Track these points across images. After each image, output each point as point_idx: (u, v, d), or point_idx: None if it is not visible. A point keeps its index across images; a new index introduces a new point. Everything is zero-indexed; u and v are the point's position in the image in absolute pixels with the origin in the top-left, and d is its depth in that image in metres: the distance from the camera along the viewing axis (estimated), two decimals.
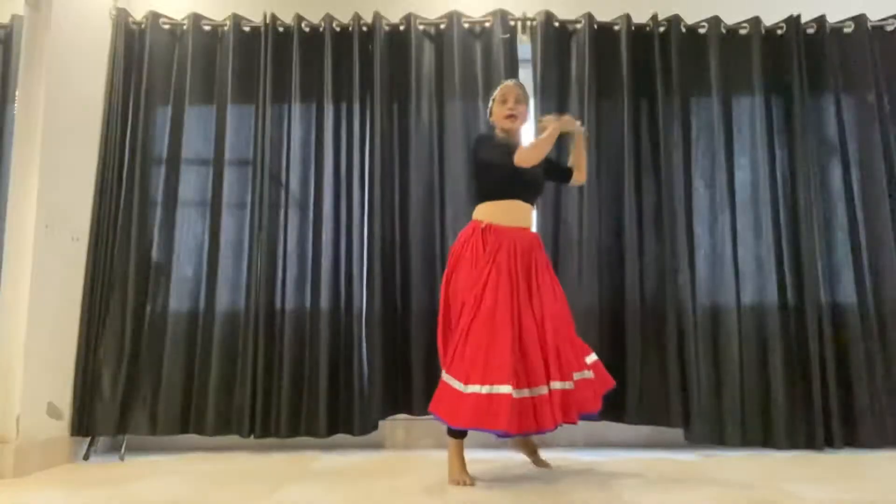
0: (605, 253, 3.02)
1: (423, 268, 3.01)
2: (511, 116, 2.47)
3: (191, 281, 3.02)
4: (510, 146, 2.41)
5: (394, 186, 3.08)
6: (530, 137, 2.80)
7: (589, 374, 2.38)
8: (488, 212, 2.41)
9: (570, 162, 2.63)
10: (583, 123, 2.53)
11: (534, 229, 2.58)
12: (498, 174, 2.42)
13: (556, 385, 2.22)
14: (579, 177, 2.63)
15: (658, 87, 3.07)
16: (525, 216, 2.46)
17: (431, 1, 3.30)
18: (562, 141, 2.99)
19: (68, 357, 2.84)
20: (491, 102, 2.56)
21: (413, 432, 3.04)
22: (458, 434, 2.31)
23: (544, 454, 2.62)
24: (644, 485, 2.24)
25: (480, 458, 2.63)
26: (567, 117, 2.43)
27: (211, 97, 3.14)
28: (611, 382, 2.45)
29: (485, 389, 2.12)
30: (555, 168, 2.66)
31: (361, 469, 2.56)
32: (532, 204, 2.50)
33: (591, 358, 2.45)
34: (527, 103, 2.54)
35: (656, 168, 3.05)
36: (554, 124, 2.37)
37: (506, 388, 2.11)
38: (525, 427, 2.15)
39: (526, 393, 2.17)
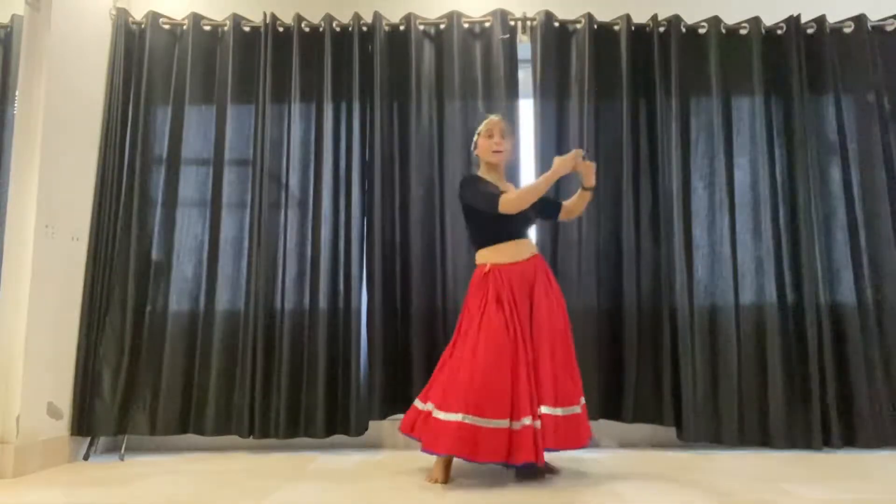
0: (604, 253, 3.02)
1: (422, 268, 3.01)
2: (497, 152, 2.49)
3: (191, 281, 3.02)
4: (494, 192, 2.40)
5: (394, 186, 3.08)
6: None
7: (578, 409, 2.35)
8: (489, 256, 2.44)
9: (569, 202, 2.61)
10: (590, 162, 2.48)
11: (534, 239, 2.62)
12: (486, 224, 2.45)
13: (547, 410, 2.24)
14: (570, 216, 2.64)
15: (658, 87, 3.07)
16: (525, 249, 2.46)
17: (431, 1, 3.30)
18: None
19: (68, 357, 2.84)
20: (476, 136, 2.57)
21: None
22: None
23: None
24: (643, 484, 2.24)
25: None
26: (569, 158, 2.38)
27: (211, 97, 3.14)
28: (586, 438, 2.34)
29: (482, 422, 2.17)
30: (543, 202, 2.59)
31: (361, 469, 2.56)
32: (528, 237, 2.53)
33: (581, 402, 2.39)
34: (513, 138, 2.56)
35: (655, 168, 3.05)
36: (554, 167, 2.37)
37: (504, 423, 2.17)
38: (522, 457, 2.16)
39: (517, 425, 2.19)
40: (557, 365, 2.32)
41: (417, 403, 2.45)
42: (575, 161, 2.40)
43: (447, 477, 2.30)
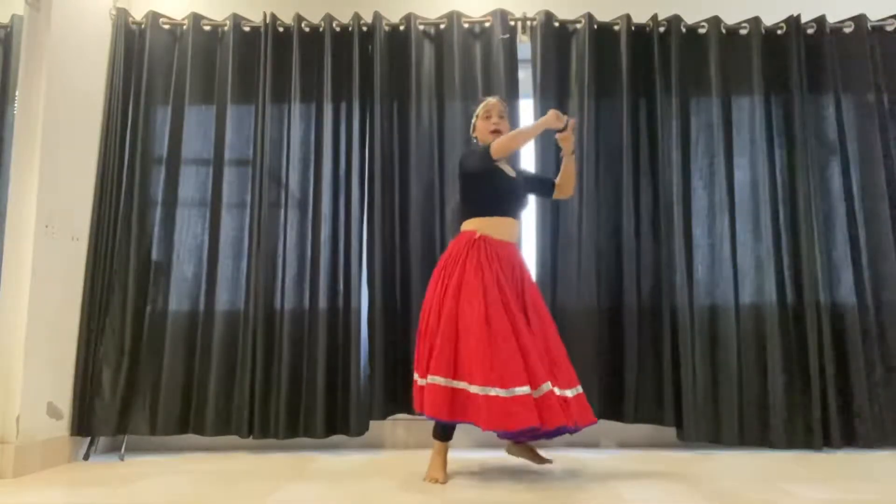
0: (604, 253, 3.02)
1: (422, 267, 3.00)
2: (495, 132, 2.49)
3: (190, 281, 3.02)
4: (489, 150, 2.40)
5: (394, 186, 3.08)
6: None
7: (579, 390, 2.32)
8: (479, 225, 2.42)
9: (558, 178, 2.63)
10: (575, 127, 2.49)
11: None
12: (482, 195, 2.45)
13: (557, 391, 2.22)
14: (563, 188, 2.63)
15: (657, 87, 3.07)
16: (513, 232, 2.48)
17: (431, 1, 3.30)
18: (547, 152, 3.00)
19: (68, 357, 2.84)
20: (474, 119, 2.60)
21: (412, 432, 3.04)
22: (443, 437, 2.35)
23: (542, 452, 2.61)
24: (643, 484, 2.24)
25: (478, 457, 2.63)
26: (553, 115, 2.36)
27: (211, 97, 3.14)
28: (594, 419, 2.31)
29: (506, 393, 2.12)
30: (535, 180, 2.69)
31: (361, 469, 2.56)
32: (518, 219, 2.53)
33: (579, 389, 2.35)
34: (510, 118, 2.57)
35: (655, 168, 3.05)
36: (544, 118, 2.38)
37: (524, 389, 2.13)
38: (551, 421, 2.14)
39: (538, 393, 2.18)
40: (558, 351, 2.33)
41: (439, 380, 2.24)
42: (557, 117, 2.36)
43: (446, 476, 2.29)
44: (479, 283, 2.27)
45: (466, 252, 2.36)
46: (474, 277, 2.29)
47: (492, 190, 2.45)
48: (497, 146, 2.36)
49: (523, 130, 2.40)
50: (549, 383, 2.19)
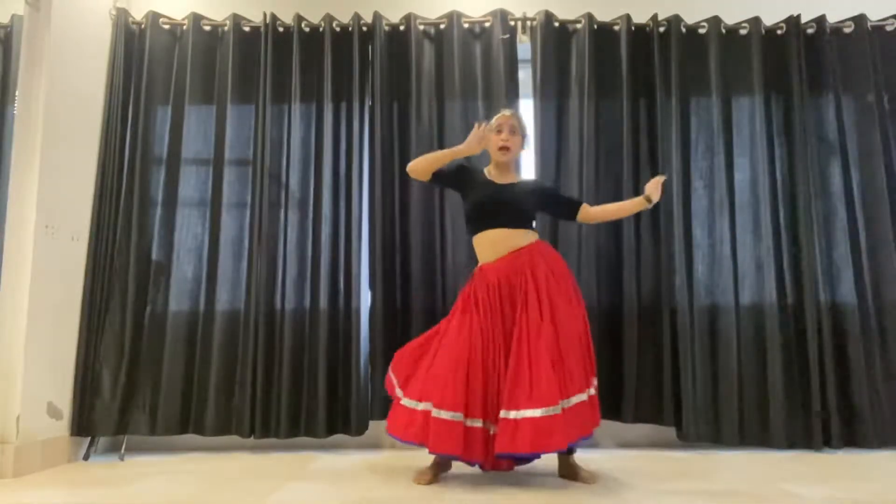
0: (604, 253, 3.02)
1: (423, 267, 3.01)
2: (504, 148, 2.44)
3: (191, 281, 3.02)
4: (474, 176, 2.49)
5: (394, 186, 3.08)
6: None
7: (583, 396, 2.23)
8: (477, 249, 2.45)
9: (603, 206, 2.59)
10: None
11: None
12: (465, 216, 2.50)
13: (515, 414, 2.12)
14: (592, 218, 2.55)
15: (658, 87, 3.07)
16: (506, 244, 2.36)
17: (431, 1, 3.30)
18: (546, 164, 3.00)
19: (68, 357, 2.84)
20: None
21: None
22: None
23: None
24: (643, 484, 2.24)
25: None
26: (475, 139, 2.34)
27: (211, 97, 3.14)
28: (589, 429, 2.23)
29: (440, 414, 2.17)
30: (554, 201, 2.61)
31: (361, 469, 2.56)
32: (516, 227, 2.38)
33: (591, 391, 2.30)
34: (523, 134, 2.51)
35: (655, 168, 3.05)
36: (461, 146, 2.38)
37: (459, 416, 2.16)
38: (477, 455, 2.19)
39: (478, 423, 2.20)
40: (543, 363, 2.15)
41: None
42: (476, 136, 2.34)
43: (431, 478, 2.30)
44: (465, 318, 2.32)
45: (469, 290, 2.41)
46: (463, 315, 2.34)
47: (466, 212, 2.49)
48: (410, 166, 2.46)
49: (436, 154, 2.44)
50: (481, 421, 2.20)
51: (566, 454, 2.32)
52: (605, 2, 3.21)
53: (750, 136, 3.09)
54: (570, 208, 2.57)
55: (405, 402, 2.30)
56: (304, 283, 3.00)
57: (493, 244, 2.38)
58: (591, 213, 2.55)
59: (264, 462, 2.70)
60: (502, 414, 2.15)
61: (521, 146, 2.52)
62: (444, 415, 2.17)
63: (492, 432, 2.20)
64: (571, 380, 2.21)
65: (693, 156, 3.09)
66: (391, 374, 2.46)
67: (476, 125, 2.37)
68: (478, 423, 2.20)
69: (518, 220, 2.40)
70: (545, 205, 2.60)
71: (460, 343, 2.26)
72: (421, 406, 2.23)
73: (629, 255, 2.98)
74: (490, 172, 2.50)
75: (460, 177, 2.50)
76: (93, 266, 2.94)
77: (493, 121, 2.49)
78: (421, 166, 2.43)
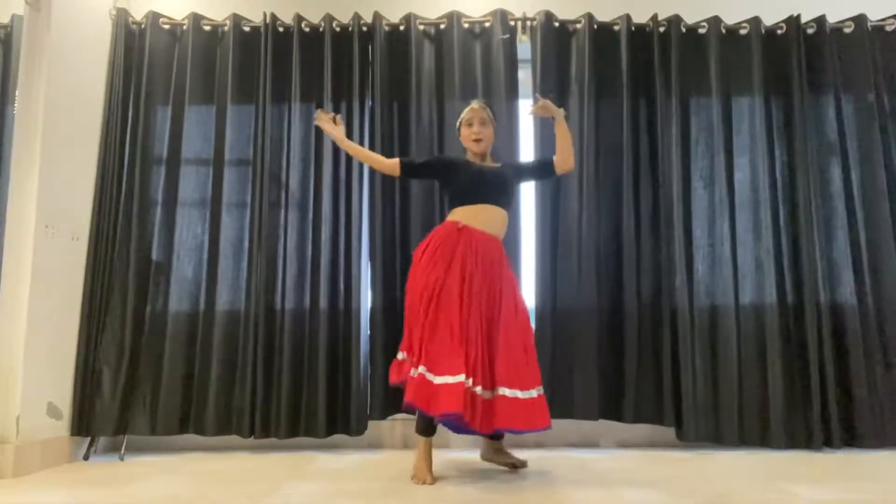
0: (604, 252, 3.02)
1: None
2: (477, 140, 2.55)
3: (191, 281, 3.02)
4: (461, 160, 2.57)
5: (394, 186, 3.08)
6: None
7: (535, 392, 2.32)
8: (460, 214, 2.46)
9: (557, 151, 2.59)
10: (544, 97, 2.57)
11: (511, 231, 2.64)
12: (454, 185, 2.52)
13: (507, 392, 2.24)
14: (562, 162, 2.55)
15: (658, 87, 3.07)
16: (492, 222, 2.45)
17: (431, 1, 3.30)
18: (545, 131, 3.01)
19: (68, 357, 2.84)
20: (458, 123, 2.63)
21: (412, 432, 3.03)
22: (426, 432, 2.36)
23: (537, 453, 2.61)
24: (643, 484, 2.24)
25: (475, 458, 2.62)
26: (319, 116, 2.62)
27: (211, 97, 3.14)
28: (548, 423, 2.30)
29: (438, 379, 2.19)
30: (528, 168, 2.69)
31: (361, 469, 2.56)
32: (503, 207, 2.49)
33: (540, 390, 2.36)
34: (493, 124, 2.60)
35: (655, 168, 3.05)
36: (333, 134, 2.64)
37: (460, 378, 2.17)
38: (476, 421, 2.20)
39: (478, 389, 2.22)
40: (515, 348, 2.32)
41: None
42: (319, 116, 2.65)
43: (433, 477, 2.30)
44: (458, 277, 2.33)
45: (445, 241, 2.40)
46: (434, 270, 2.35)
47: (458, 184, 2.50)
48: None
49: (352, 152, 2.70)
50: (480, 387, 2.24)
51: (497, 439, 2.52)
52: (605, 2, 3.21)
53: (750, 136, 3.09)
54: (544, 165, 2.63)
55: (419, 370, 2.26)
56: (304, 283, 3.00)
57: (483, 216, 2.45)
58: (560, 160, 2.58)
59: (264, 462, 2.70)
60: (503, 391, 2.24)
61: (493, 136, 2.61)
62: (450, 379, 2.18)
63: (483, 397, 2.24)
64: (533, 373, 2.36)
65: (693, 156, 3.08)
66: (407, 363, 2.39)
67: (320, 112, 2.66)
68: (477, 389, 2.22)
69: (504, 198, 2.52)
70: (523, 172, 2.69)
71: (454, 310, 2.28)
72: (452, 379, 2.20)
73: (629, 255, 2.98)
74: (471, 159, 2.59)
75: (440, 164, 2.59)
76: (93, 266, 2.94)
77: (464, 114, 2.59)
78: (374, 165, 2.66)
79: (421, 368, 2.24)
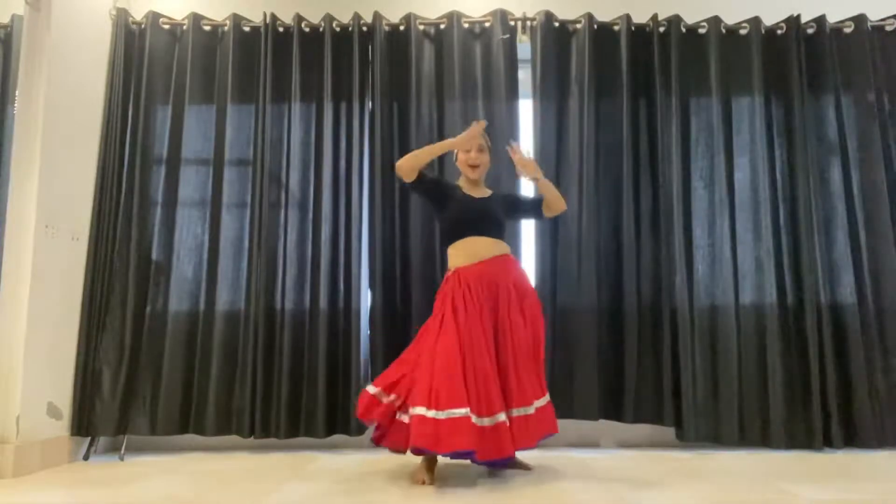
0: (604, 252, 3.02)
1: (423, 268, 3.00)
2: (473, 167, 2.56)
3: (191, 281, 3.02)
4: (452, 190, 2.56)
5: (394, 186, 3.08)
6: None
7: (543, 400, 2.41)
8: (452, 256, 2.49)
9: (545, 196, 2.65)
10: (517, 150, 2.60)
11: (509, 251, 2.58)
12: (442, 221, 2.56)
13: (517, 412, 2.29)
14: (551, 210, 2.65)
15: (657, 87, 3.07)
16: (483, 250, 2.46)
17: (431, 1, 3.30)
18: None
19: (68, 357, 2.84)
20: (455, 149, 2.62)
21: None
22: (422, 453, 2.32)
23: (537, 453, 2.61)
24: (643, 484, 2.24)
25: None
26: (469, 133, 2.49)
27: (211, 97, 3.14)
28: (555, 429, 2.42)
29: (442, 415, 2.15)
30: (520, 206, 2.73)
31: (361, 469, 2.56)
32: (494, 237, 2.49)
33: (545, 399, 2.43)
34: (489, 151, 2.62)
35: (655, 168, 3.05)
36: (456, 139, 2.51)
37: (464, 412, 2.14)
38: (488, 454, 2.18)
39: (486, 421, 2.20)
40: (521, 367, 2.35)
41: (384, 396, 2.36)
42: (472, 134, 2.48)
43: (431, 477, 2.29)
44: (452, 320, 2.32)
45: (441, 290, 2.46)
46: (451, 317, 2.33)
47: (447, 218, 2.52)
48: (401, 163, 2.46)
49: (426, 148, 2.51)
50: (503, 414, 2.23)
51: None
52: (605, 2, 3.21)
53: (750, 136, 3.09)
54: (535, 205, 2.68)
55: (418, 410, 2.22)
56: (304, 283, 3.00)
57: (473, 249, 2.46)
58: (548, 210, 2.65)
59: (264, 462, 2.70)
60: (518, 412, 2.28)
61: (489, 163, 2.63)
62: (457, 413, 2.16)
63: (485, 424, 2.23)
64: (540, 382, 2.43)
65: (693, 155, 3.09)
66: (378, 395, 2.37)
67: (475, 122, 2.51)
68: (485, 421, 2.21)
69: (496, 229, 2.52)
70: (514, 209, 2.70)
71: (451, 344, 2.27)
72: (430, 413, 2.18)
73: (629, 255, 2.98)
74: (464, 188, 2.59)
75: (440, 188, 2.58)
76: (93, 266, 2.94)
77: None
78: (411, 162, 2.45)
79: (420, 409, 2.18)
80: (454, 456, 2.19)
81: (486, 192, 2.62)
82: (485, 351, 2.30)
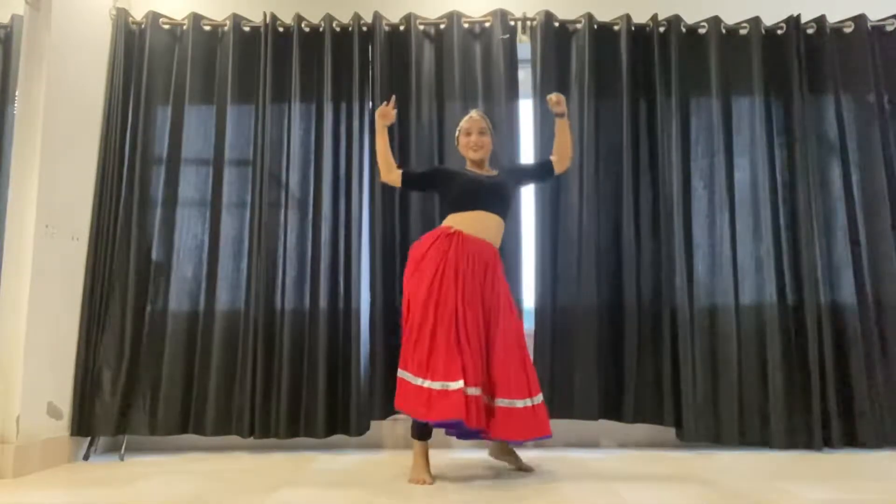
0: (604, 252, 3.02)
1: None
2: (475, 150, 2.57)
3: (191, 281, 3.02)
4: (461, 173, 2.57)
5: (394, 187, 3.07)
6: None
7: (534, 401, 2.34)
8: (457, 222, 2.47)
9: (553, 149, 2.63)
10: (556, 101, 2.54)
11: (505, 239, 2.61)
12: (451, 193, 2.53)
13: (501, 402, 2.28)
14: (562, 162, 2.62)
15: (657, 87, 3.07)
16: (488, 229, 2.46)
17: (431, 1, 3.30)
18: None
19: (68, 357, 2.84)
20: (457, 132, 2.64)
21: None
22: (421, 437, 2.36)
23: (537, 453, 2.61)
24: (643, 484, 2.24)
25: (476, 458, 2.63)
26: (380, 110, 2.58)
27: (211, 97, 3.14)
28: (547, 431, 2.32)
29: (437, 385, 2.19)
30: (527, 171, 2.73)
31: (361, 469, 2.56)
32: (499, 214, 2.50)
33: (538, 399, 2.37)
34: (491, 134, 2.63)
35: (655, 168, 3.05)
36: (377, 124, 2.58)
37: (458, 384, 2.17)
38: (479, 422, 2.20)
39: (477, 392, 2.23)
40: (513, 356, 2.34)
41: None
42: (380, 112, 2.57)
43: (431, 477, 2.30)
44: (453, 284, 2.33)
45: (432, 246, 2.42)
46: (430, 275, 2.35)
47: (456, 191, 2.51)
48: (381, 179, 2.63)
49: (378, 148, 2.59)
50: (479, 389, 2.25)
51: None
52: (605, 2, 3.21)
53: (750, 136, 3.09)
54: (543, 166, 2.66)
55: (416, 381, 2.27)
56: (304, 283, 3.00)
57: (476, 221, 2.45)
58: (557, 160, 2.63)
59: (264, 462, 2.70)
60: (501, 402, 2.27)
61: (492, 145, 2.64)
62: (450, 385, 2.19)
63: (485, 402, 2.27)
64: (530, 381, 2.37)
65: (693, 156, 3.08)
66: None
67: (384, 103, 2.60)
68: (476, 391, 2.23)
69: (500, 205, 2.52)
70: (522, 176, 2.72)
71: (449, 316, 2.29)
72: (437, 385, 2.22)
73: (629, 255, 2.98)
74: (468, 169, 2.60)
75: (440, 174, 2.60)
76: (93, 266, 2.94)
77: (463, 123, 2.62)
78: (382, 168, 2.58)
79: (418, 379, 2.24)
80: (443, 425, 2.24)
81: (493, 172, 2.62)
82: (480, 322, 2.33)
